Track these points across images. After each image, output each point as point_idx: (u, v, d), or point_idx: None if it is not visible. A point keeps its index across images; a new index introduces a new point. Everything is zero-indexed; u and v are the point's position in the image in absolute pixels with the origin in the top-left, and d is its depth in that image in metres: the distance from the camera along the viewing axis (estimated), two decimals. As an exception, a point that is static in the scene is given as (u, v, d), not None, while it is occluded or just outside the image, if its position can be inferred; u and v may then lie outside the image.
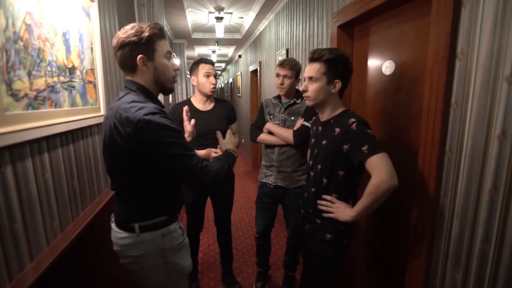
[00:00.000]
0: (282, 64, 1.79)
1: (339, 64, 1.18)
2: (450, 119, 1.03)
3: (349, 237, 1.26)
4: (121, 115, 0.94)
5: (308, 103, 1.27)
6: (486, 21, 0.88)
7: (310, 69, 1.22)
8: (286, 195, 1.93)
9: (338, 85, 1.20)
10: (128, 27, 1.01)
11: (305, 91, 1.25)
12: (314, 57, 1.20)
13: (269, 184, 1.94)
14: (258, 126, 1.96)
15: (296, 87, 1.89)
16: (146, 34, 0.99)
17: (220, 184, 1.08)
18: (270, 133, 1.88)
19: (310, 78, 1.22)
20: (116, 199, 1.11)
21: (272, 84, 3.75)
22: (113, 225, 1.11)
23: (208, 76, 1.84)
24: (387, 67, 1.52)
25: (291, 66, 1.78)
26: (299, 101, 1.85)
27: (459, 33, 0.98)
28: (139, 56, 1.00)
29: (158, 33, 1.03)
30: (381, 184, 1.03)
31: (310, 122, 1.79)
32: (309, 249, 1.30)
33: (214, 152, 1.75)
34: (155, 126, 0.92)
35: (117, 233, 1.07)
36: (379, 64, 1.59)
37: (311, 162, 1.32)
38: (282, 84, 1.80)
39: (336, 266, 1.29)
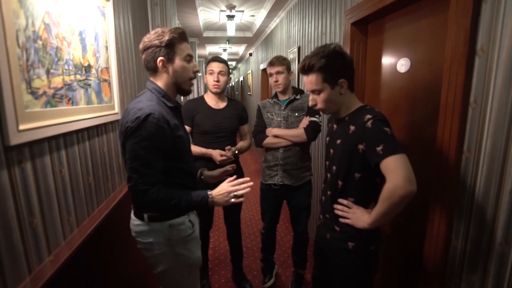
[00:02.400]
0: (271, 63, 1.84)
1: (335, 63, 1.08)
2: (468, 118, 1.00)
3: (376, 242, 1.14)
4: (126, 113, 1.05)
5: (324, 113, 1.21)
6: (508, 15, 0.85)
7: (308, 82, 1.12)
8: (295, 195, 1.92)
9: (344, 83, 1.09)
10: (152, 32, 1.10)
11: (315, 105, 1.15)
12: (306, 69, 1.10)
13: (275, 185, 1.91)
14: (260, 130, 1.94)
15: (291, 82, 1.90)
16: (166, 38, 1.07)
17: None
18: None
19: (313, 92, 1.13)
20: None
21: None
22: (132, 213, 1.19)
23: (211, 73, 1.85)
24: (402, 64, 1.49)
25: (280, 62, 1.82)
26: (298, 96, 1.86)
27: (479, 29, 0.95)
28: (160, 58, 1.08)
29: (178, 37, 1.09)
30: (396, 190, 0.92)
31: (317, 116, 1.78)
32: (334, 261, 1.19)
33: (220, 155, 1.77)
34: (134, 132, 0.99)
35: (133, 220, 1.16)
36: (393, 62, 1.56)
37: (327, 163, 1.23)
38: (276, 81, 1.84)
39: (366, 275, 1.16)
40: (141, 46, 1.11)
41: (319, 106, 1.14)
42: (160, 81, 1.13)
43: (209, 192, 1.10)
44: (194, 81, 5.94)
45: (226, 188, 1.11)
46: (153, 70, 1.12)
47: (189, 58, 1.13)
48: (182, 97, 4.70)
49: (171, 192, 1.06)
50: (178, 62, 1.10)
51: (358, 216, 1.08)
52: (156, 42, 1.06)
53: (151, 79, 1.14)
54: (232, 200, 1.10)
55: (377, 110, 1.09)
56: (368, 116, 1.03)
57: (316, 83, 1.10)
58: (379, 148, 0.97)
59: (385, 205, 0.97)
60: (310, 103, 1.16)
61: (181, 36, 1.10)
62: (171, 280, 1.18)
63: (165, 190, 1.04)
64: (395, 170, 0.93)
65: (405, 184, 0.91)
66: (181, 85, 1.15)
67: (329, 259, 1.23)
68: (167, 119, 1.04)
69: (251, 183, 1.13)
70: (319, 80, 1.09)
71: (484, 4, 0.93)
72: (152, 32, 1.10)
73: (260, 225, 3.17)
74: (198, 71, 1.18)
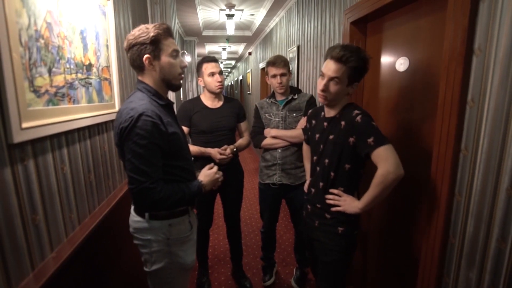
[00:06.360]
0: (275, 63, 1.80)
1: (362, 68, 1.18)
2: (466, 116, 1.01)
3: (358, 227, 1.31)
4: (119, 115, 1.05)
5: (322, 101, 1.25)
6: (505, 15, 0.86)
7: (334, 69, 1.16)
8: (294, 194, 1.93)
9: (356, 86, 1.22)
10: (136, 29, 1.07)
11: (324, 90, 1.20)
12: (342, 60, 1.14)
13: (273, 184, 1.92)
14: (258, 130, 1.94)
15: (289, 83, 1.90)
16: (151, 34, 1.04)
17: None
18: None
19: (332, 79, 1.18)
20: None
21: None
22: (131, 209, 1.19)
23: (212, 74, 1.83)
24: (401, 63, 1.50)
25: (285, 63, 1.81)
26: (296, 96, 1.87)
27: (477, 28, 0.96)
28: (145, 56, 1.06)
29: (163, 33, 1.07)
30: (389, 174, 1.08)
31: None
32: (321, 244, 1.33)
33: (219, 154, 1.78)
34: (130, 132, 0.98)
35: (132, 216, 1.17)
36: (392, 61, 1.57)
37: (315, 158, 1.34)
38: (281, 83, 1.82)
39: (349, 257, 1.33)
40: (125, 44, 1.08)
41: (327, 93, 1.21)
42: (149, 79, 1.11)
43: (199, 179, 1.20)
44: (194, 82, 5.92)
45: (211, 172, 1.25)
46: (140, 68, 1.10)
47: (175, 53, 1.11)
48: (181, 97, 4.71)
49: (172, 187, 1.08)
50: (164, 58, 1.08)
51: (349, 203, 1.22)
52: (141, 39, 1.04)
53: (139, 78, 1.12)
54: (217, 176, 1.26)
55: (359, 106, 1.23)
56: (356, 112, 1.17)
57: (342, 73, 1.17)
58: (370, 140, 1.12)
59: (378, 189, 1.13)
60: (321, 87, 1.21)
61: (166, 31, 1.07)
62: (161, 280, 1.17)
63: (167, 186, 1.06)
64: (386, 158, 1.10)
65: (396, 169, 1.08)
66: (170, 81, 1.13)
67: (315, 242, 1.36)
68: (161, 117, 1.04)
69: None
70: (345, 73, 1.17)
71: (481, 3, 0.94)
72: (136, 29, 1.07)
73: (259, 224, 3.18)
74: (185, 66, 1.16)
